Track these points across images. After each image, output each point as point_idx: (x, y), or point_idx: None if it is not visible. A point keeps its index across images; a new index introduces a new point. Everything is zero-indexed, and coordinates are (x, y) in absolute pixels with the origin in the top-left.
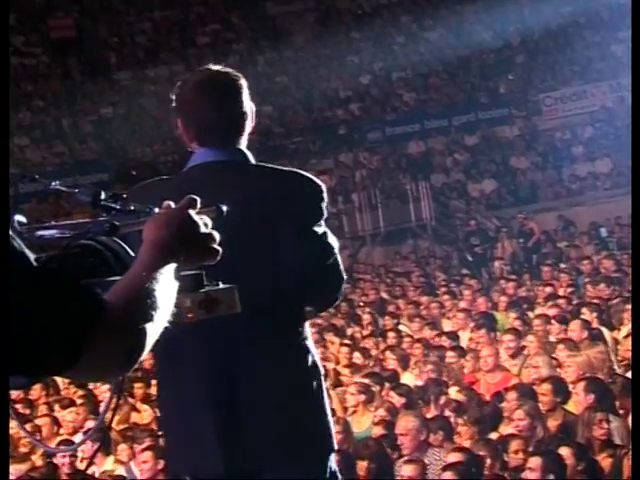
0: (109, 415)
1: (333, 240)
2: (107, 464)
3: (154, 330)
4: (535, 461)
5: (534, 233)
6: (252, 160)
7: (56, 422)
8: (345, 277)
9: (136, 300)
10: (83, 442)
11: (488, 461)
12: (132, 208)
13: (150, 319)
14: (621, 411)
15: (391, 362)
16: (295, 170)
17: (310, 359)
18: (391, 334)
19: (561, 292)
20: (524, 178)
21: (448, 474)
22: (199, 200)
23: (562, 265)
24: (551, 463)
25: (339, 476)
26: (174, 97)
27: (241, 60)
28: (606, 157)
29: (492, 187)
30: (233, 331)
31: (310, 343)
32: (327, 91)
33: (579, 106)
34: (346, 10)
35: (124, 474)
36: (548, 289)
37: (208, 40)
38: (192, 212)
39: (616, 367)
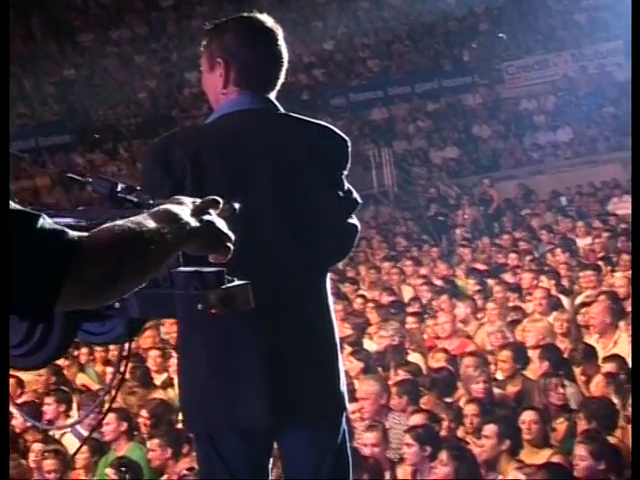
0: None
1: (356, 195)
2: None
3: (131, 278)
4: (490, 428)
5: (494, 201)
6: (282, 109)
7: (20, 384)
8: (359, 230)
9: (121, 248)
10: (83, 419)
11: (446, 424)
12: (150, 202)
13: (129, 268)
14: (583, 377)
15: (349, 328)
16: (322, 122)
17: (333, 316)
18: (351, 299)
19: (521, 260)
20: (486, 146)
21: (408, 437)
22: (221, 201)
23: (523, 233)
24: (506, 429)
25: (347, 438)
26: (213, 37)
27: (204, 23)
28: (567, 126)
29: (454, 155)
30: (272, 282)
31: (330, 298)
32: (290, 56)
33: (541, 75)
34: None
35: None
36: (508, 257)
37: (172, 2)
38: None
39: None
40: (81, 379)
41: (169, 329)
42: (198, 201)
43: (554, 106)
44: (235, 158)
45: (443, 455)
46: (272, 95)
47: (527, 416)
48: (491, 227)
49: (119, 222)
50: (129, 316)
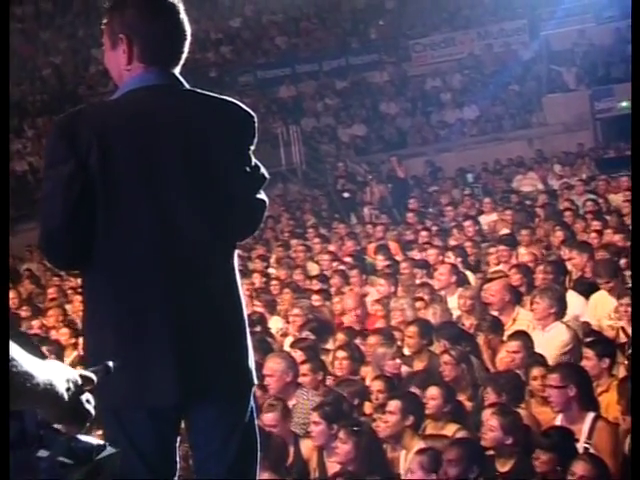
0: None
1: (264, 170)
2: None
3: None
4: (394, 404)
5: (397, 178)
6: (187, 85)
7: None
8: (267, 206)
9: None
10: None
11: (355, 401)
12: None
13: None
14: (489, 351)
15: (258, 306)
16: (227, 98)
17: (240, 292)
18: (259, 277)
19: (428, 237)
20: (393, 124)
21: (315, 415)
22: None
23: (430, 210)
24: (409, 405)
25: (255, 414)
26: (114, 14)
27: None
28: (473, 104)
29: (362, 132)
30: (180, 253)
31: (238, 273)
32: (197, 33)
33: (448, 53)
34: None
35: None
36: (415, 234)
37: None
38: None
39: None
40: None
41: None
42: (78, 378)
43: (460, 84)
44: (141, 134)
45: (341, 433)
46: (177, 71)
47: (431, 391)
48: (398, 205)
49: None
50: None
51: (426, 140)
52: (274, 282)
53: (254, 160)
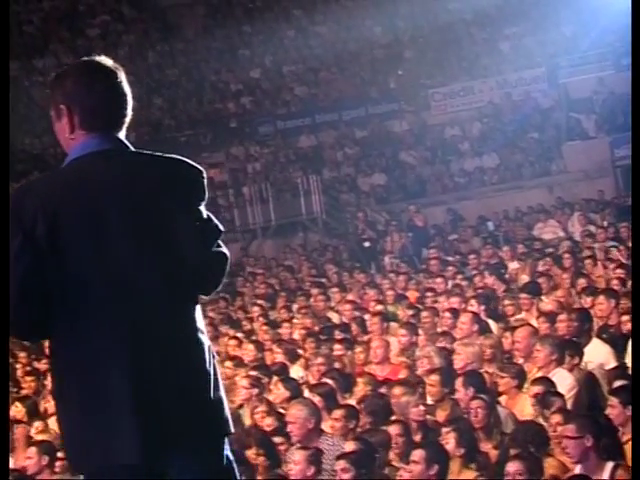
0: None
1: (217, 223)
2: None
3: None
4: (418, 453)
5: (418, 226)
6: (132, 148)
7: None
8: (229, 258)
9: None
10: None
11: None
12: None
13: None
14: (512, 399)
15: (279, 355)
16: (174, 156)
17: (207, 343)
18: (280, 326)
19: (450, 285)
20: (413, 172)
21: (342, 462)
22: None
23: (450, 258)
24: (434, 454)
25: (233, 462)
26: (55, 86)
27: (131, 52)
28: (493, 152)
29: (382, 181)
30: (137, 315)
31: (203, 327)
32: (218, 84)
33: (467, 102)
34: (237, 3)
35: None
36: (437, 282)
37: (98, 31)
38: None
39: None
40: None
41: None
42: None
43: (480, 132)
44: (86, 200)
45: None
46: (121, 134)
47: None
48: (419, 253)
49: None
50: None
51: (446, 188)
52: (296, 331)
53: (206, 214)
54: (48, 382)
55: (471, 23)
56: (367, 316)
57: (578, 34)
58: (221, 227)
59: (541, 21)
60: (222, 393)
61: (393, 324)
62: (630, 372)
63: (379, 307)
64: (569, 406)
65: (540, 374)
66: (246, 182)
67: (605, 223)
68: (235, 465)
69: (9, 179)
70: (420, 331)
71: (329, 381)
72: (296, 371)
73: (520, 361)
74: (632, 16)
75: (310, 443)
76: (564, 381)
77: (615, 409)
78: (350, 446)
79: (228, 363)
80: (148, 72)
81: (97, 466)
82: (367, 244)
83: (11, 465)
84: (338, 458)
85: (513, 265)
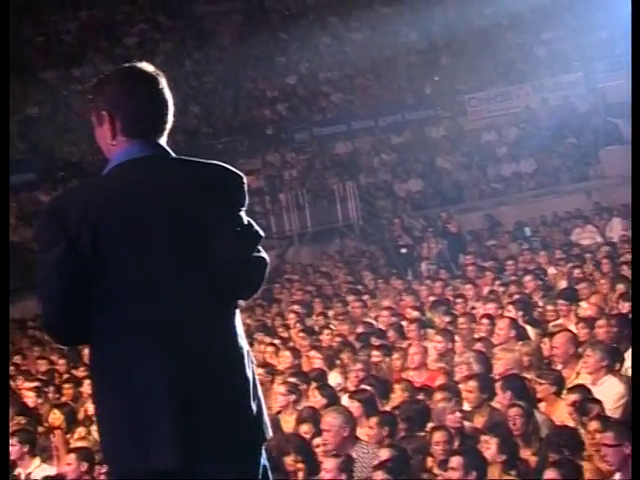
0: None
1: (258, 228)
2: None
3: None
4: (456, 460)
5: (452, 233)
6: (173, 154)
7: None
8: (268, 263)
9: None
10: None
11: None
12: None
13: None
14: (550, 406)
15: (317, 361)
16: (214, 162)
17: (246, 348)
18: (318, 333)
19: (487, 291)
20: (450, 178)
21: (379, 473)
22: None
23: (487, 264)
24: (472, 461)
25: (269, 470)
26: (97, 92)
27: (168, 60)
28: (530, 157)
29: (418, 187)
30: (176, 320)
31: (242, 332)
32: (254, 91)
33: (503, 107)
34: (273, 10)
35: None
36: (474, 288)
37: (135, 40)
38: None
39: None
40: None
41: None
42: None
43: (517, 137)
44: (128, 207)
45: None
46: (162, 140)
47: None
48: (456, 258)
49: None
50: None
51: (483, 194)
52: (334, 338)
53: (246, 219)
54: (84, 389)
55: (507, 28)
56: (404, 322)
57: (614, 37)
58: (261, 233)
59: (577, 25)
60: (261, 399)
61: (430, 330)
62: None
63: (416, 313)
64: (618, 415)
65: (577, 382)
66: (282, 189)
67: None
68: (270, 474)
69: (9, 179)
70: (457, 337)
71: (368, 387)
72: (334, 378)
73: (559, 367)
74: (632, 16)
75: (345, 451)
76: (614, 389)
77: None
78: (385, 453)
79: (260, 370)
80: (185, 80)
81: (134, 470)
82: (404, 250)
83: (51, 472)
84: (375, 469)
85: (551, 271)
